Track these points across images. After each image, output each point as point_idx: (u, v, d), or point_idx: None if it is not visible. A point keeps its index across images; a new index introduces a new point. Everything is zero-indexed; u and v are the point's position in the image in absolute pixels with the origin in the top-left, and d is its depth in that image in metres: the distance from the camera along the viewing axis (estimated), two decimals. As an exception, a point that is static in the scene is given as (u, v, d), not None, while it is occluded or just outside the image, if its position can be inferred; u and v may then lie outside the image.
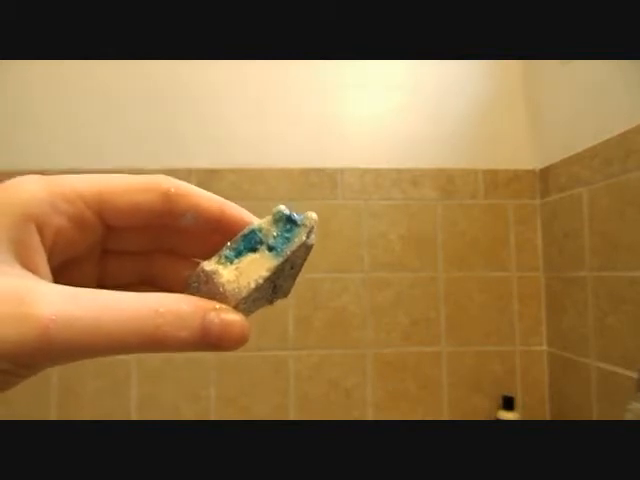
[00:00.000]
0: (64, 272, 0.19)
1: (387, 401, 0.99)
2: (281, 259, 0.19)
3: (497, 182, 1.03)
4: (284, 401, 0.98)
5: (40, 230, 0.17)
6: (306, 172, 1.01)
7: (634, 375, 0.69)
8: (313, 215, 0.20)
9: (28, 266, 0.16)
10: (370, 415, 0.98)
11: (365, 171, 1.02)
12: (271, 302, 0.21)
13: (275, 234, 0.19)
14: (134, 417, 0.96)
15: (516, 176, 1.03)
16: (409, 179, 1.02)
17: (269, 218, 0.20)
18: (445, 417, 0.99)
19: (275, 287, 0.20)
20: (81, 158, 1.00)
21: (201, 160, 1.01)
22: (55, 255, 0.18)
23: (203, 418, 0.96)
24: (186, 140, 1.02)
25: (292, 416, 0.97)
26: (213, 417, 0.97)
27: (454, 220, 1.02)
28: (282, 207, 0.20)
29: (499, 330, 1.00)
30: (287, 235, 0.19)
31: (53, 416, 0.94)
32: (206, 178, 0.99)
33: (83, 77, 1.02)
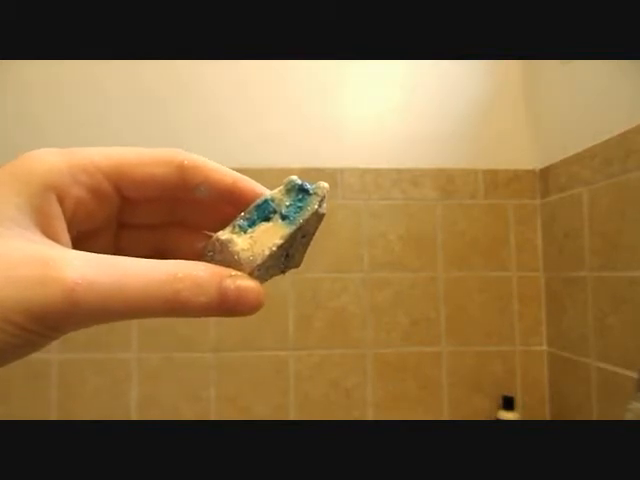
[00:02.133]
0: (82, 243, 0.19)
1: (387, 401, 0.99)
2: (294, 227, 0.19)
3: (497, 182, 1.03)
4: (284, 401, 0.98)
5: (60, 200, 0.17)
6: (306, 172, 1.01)
7: (634, 375, 0.69)
8: (325, 184, 0.20)
9: (49, 234, 0.17)
10: (370, 415, 0.98)
11: (365, 171, 1.02)
12: (283, 271, 0.21)
13: (288, 203, 0.20)
14: (134, 417, 0.96)
15: (516, 176, 1.03)
16: (409, 179, 1.02)
17: (281, 188, 0.20)
18: (445, 417, 0.99)
19: (287, 256, 0.20)
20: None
21: (201, 160, 1.01)
22: (74, 225, 0.18)
23: (203, 418, 0.96)
24: (186, 140, 1.02)
25: (292, 416, 0.97)
26: (213, 417, 0.97)
27: (454, 220, 1.02)
28: (294, 177, 0.20)
29: (499, 330, 1.00)
30: (299, 204, 0.20)
31: (53, 416, 0.94)
32: (206, 178, 0.99)
33: (82, 77, 1.02)
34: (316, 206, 0.20)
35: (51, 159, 0.18)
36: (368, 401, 0.98)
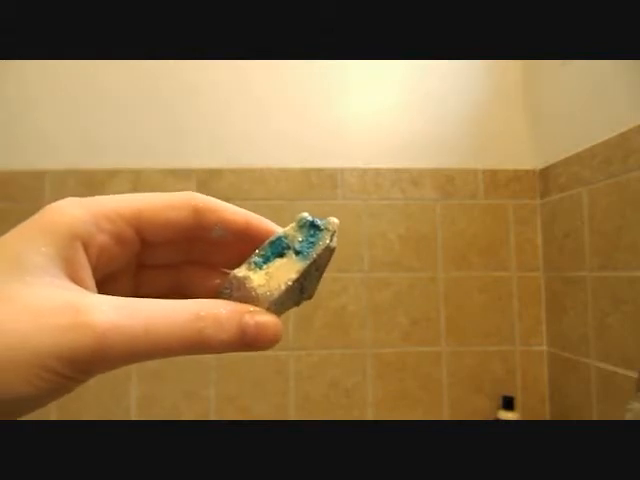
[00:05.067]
0: (104, 285, 0.20)
1: (387, 401, 0.99)
2: (308, 262, 0.20)
3: (497, 182, 1.03)
4: (284, 401, 0.98)
5: (86, 248, 0.19)
6: (306, 172, 1.01)
7: (634, 375, 0.69)
8: (335, 220, 0.21)
9: (76, 281, 0.18)
10: (370, 415, 0.98)
11: (365, 171, 1.02)
12: (297, 304, 0.22)
13: (300, 239, 0.21)
14: (134, 417, 0.96)
15: (516, 176, 1.03)
16: (409, 179, 1.02)
17: (293, 225, 0.21)
18: (445, 417, 0.99)
19: (302, 288, 0.21)
20: (81, 158, 1.00)
21: (201, 160, 1.01)
22: (98, 270, 0.20)
23: (203, 418, 0.96)
24: (186, 140, 1.02)
25: (292, 416, 0.97)
26: (213, 417, 0.97)
27: (454, 220, 1.02)
28: (305, 214, 0.21)
29: (499, 330, 1.00)
30: (312, 239, 0.21)
31: (53, 416, 0.94)
32: (206, 178, 0.99)
33: (83, 77, 1.02)
34: (328, 241, 0.21)
35: (75, 211, 0.19)
36: (368, 401, 0.98)
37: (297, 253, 0.20)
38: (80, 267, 0.18)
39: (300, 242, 0.20)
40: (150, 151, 1.01)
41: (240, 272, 0.20)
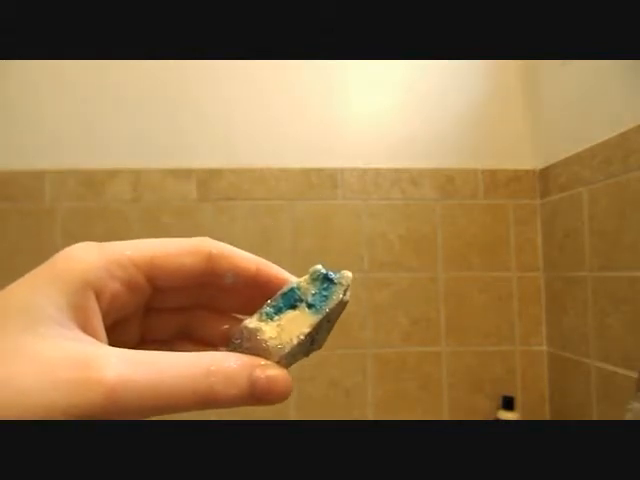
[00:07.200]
0: (113, 330, 0.20)
1: (387, 401, 0.99)
2: (320, 316, 0.20)
3: (497, 182, 1.03)
4: (284, 401, 0.97)
5: (97, 295, 0.18)
6: (306, 172, 1.01)
7: (634, 375, 0.69)
8: (349, 274, 0.21)
9: (87, 330, 0.18)
10: (370, 415, 0.98)
11: (365, 171, 1.02)
12: (307, 354, 0.22)
13: (313, 292, 0.20)
14: (134, 417, 0.96)
15: (516, 176, 1.03)
16: (409, 179, 1.02)
17: (307, 277, 0.21)
18: (445, 417, 0.99)
19: (313, 340, 0.21)
20: (81, 158, 1.00)
21: (201, 160, 1.01)
22: (109, 317, 0.19)
23: (203, 418, 0.96)
24: (186, 140, 1.02)
25: (292, 416, 0.97)
26: (213, 417, 0.97)
27: (454, 220, 1.02)
28: (319, 267, 0.21)
29: (499, 330, 1.00)
30: (325, 293, 0.20)
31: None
32: (206, 178, 0.99)
33: (83, 77, 1.02)
34: (341, 295, 0.20)
35: (88, 257, 0.18)
36: (368, 401, 0.98)
37: (310, 306, 0.20)
38: (91, 315, 0.18)
39: (313, 295, 0.20)
40: (150, 151, 1.01)
41: (251, 323, 0.20)
